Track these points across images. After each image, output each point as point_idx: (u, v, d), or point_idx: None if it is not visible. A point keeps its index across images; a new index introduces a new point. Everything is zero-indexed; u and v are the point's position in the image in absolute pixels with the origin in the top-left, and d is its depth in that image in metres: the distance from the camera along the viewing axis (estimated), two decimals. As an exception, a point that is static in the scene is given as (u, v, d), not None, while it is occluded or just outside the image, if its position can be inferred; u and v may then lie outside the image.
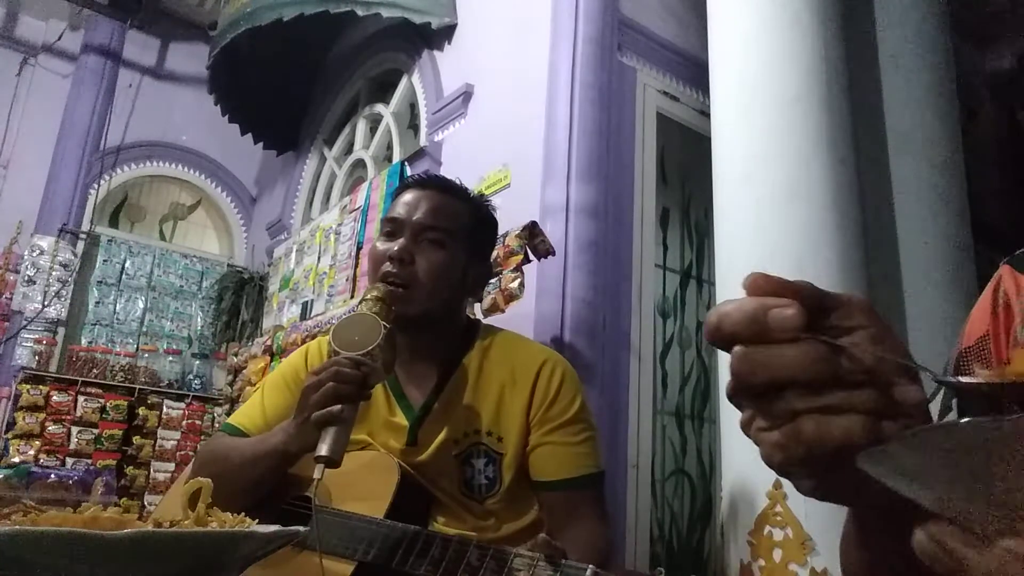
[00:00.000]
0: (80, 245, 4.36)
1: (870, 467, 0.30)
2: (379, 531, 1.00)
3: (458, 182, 1.27)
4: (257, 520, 0.62)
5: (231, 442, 1.16)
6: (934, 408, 0.55)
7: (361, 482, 1.09)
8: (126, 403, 3.81)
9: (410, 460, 1.14)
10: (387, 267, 1.12)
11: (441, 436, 1.15)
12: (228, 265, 4.76)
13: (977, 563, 0.28)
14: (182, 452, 3.88)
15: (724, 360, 1.65)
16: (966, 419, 0.27)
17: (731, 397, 0.38)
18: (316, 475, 0.90)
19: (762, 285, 0.35)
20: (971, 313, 0.57)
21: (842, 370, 0.33)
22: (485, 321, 1.93)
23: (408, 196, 1.19)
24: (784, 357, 0.33)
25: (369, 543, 0.99)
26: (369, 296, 1.05)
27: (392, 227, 1.17)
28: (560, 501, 1.14)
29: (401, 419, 1.18)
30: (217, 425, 3.89)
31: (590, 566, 0.83)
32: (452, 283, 1.17)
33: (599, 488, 1.18)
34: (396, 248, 1.13)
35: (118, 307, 4.40)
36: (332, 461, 0.91)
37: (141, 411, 3.85)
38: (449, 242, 1.17)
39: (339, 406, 0.92)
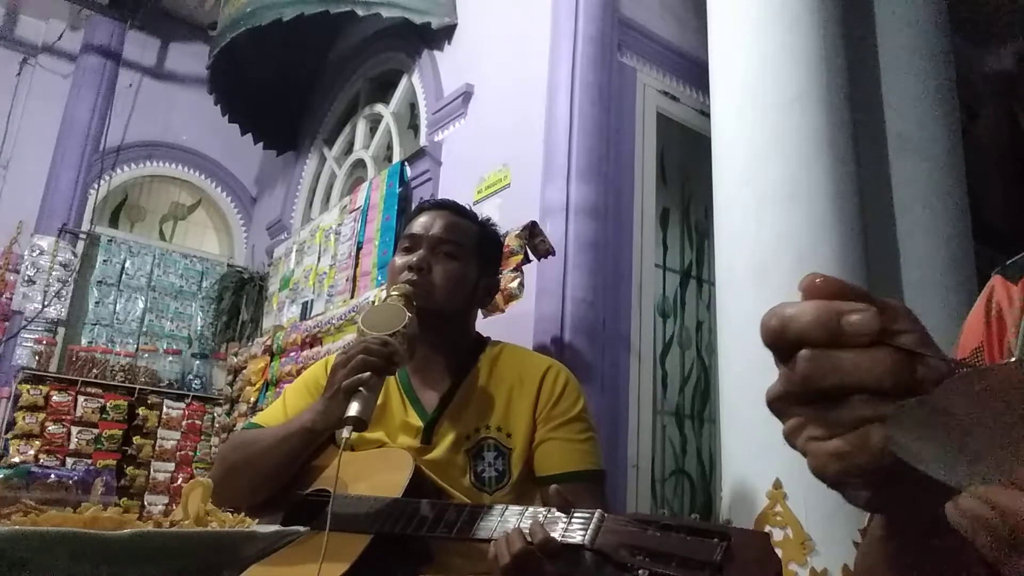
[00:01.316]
0: (80, 245, 4.36)
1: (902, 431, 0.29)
2: (395, 505, 1.03)
3: (469, 208, 1.40)
4: (258, 520, 0.62)
5: (257, 431, 1.24)
6: None
7: (376, 474, 1.13)
8: (126, 403, 3.81)
9: (423, 457, 1.18)
10: (406, 275, 1.22)
11: (453, 434, 1.20)
12: (228, 265, 4.76)
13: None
14: (182, 452, 3.88)
15: (725, 360, 1.65)
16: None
17: (775, 402, 0.36)
18: (344, 435, 0.96)
19: (821, 287, 0.34)
20: (965, 324, 0.57)
21: (916, 378, 0.32)
22: (485, 321, 1.93)
23: (424, 217, 1.32)
24: (860, 362, 0.32)
25: (385, 517, 1.02)
26: (393, 293, 1.15)
27: (410, 243, 1.29)
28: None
29: (415, 420, 1.23)
30: (217, 425, 3.90)
31: (599, 510, 0.85)
32: (465, 292, 1.29)
33: (601, 486, 1.23)
34: (415, 259, 1.24)
35: (118, 307, 4.40)
36: (361, 422, 0.97)
37: (141, 411, 3.85)
38: (462, 255, 1.28)
39: (368, 373, 1.00)
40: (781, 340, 0.34)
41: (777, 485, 1.42)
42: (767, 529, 1.42)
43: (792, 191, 1.59)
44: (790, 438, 0.36)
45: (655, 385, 2.19)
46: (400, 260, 1.26)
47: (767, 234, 1.58)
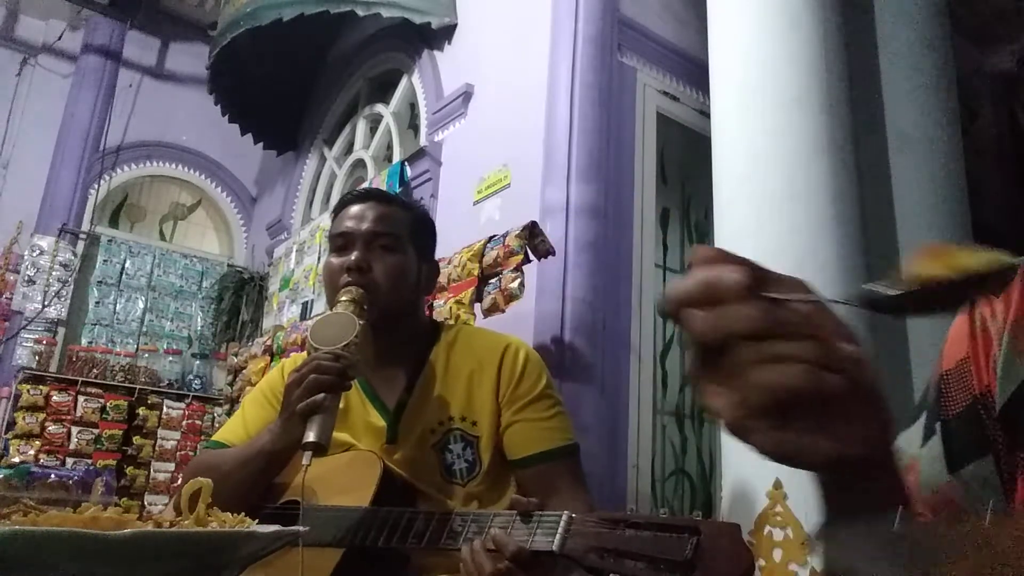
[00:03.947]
0: (80, 245, 4.36)
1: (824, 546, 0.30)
2: (365, 516, 1.02)
3: (395, 193, 1.35)
4: (257, 521, 0.62)
5: (218, 453, 1.20)
6: (917, 432, 0.55)
7: (345, 478, 1.11)
8: (126, 403, 3.81)
9: (391, 457, 1.16)
10: (346, 278, 1.16)
11: (417, 431, 1.18)
12: (228, 265, 4.76)
13: None
14: (182, 452, 3.88)
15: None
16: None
17: (692, 374, 0.39)
18: (304, 461, 0.94)
19: (705, 255, 0.38)
20: (947, 336, 0.58)
21: (785, 322, 0.36)
22: (486, 321, 1.93)
23: (352, 210, 1.24)
24: (733, 312, 0.36)
25: (356, 529, 1.00)
26: (342, 299, 1.11)
27: (343, 241, 1.22)
28: (538, 476, 1.16)
29: (377, 419, 1.21)
30: (217, 425, 3.90)
31: (565, 512, 0.84)
32: (409, 283, 1.23)
33: (575, 459, 1.20)
34: (353, 259, 1.17)
35: (118, 307, 4.40)
36: (319, 446, 0.95)
37: (141, 411, 3.85)
38: (399, 246, 1.22)
39: (322, 395, 0.97)
40: (672, 304, 0.38)
41: (777, 485, 1.42)
42: (767, 529, 1.42)
43: (792, 191, 1.59)
44: (708, 405, 0.38)
45: (655, 385, 2.19)
46: (336, 261, 1.20)
47: (767, 234, 1.58)
